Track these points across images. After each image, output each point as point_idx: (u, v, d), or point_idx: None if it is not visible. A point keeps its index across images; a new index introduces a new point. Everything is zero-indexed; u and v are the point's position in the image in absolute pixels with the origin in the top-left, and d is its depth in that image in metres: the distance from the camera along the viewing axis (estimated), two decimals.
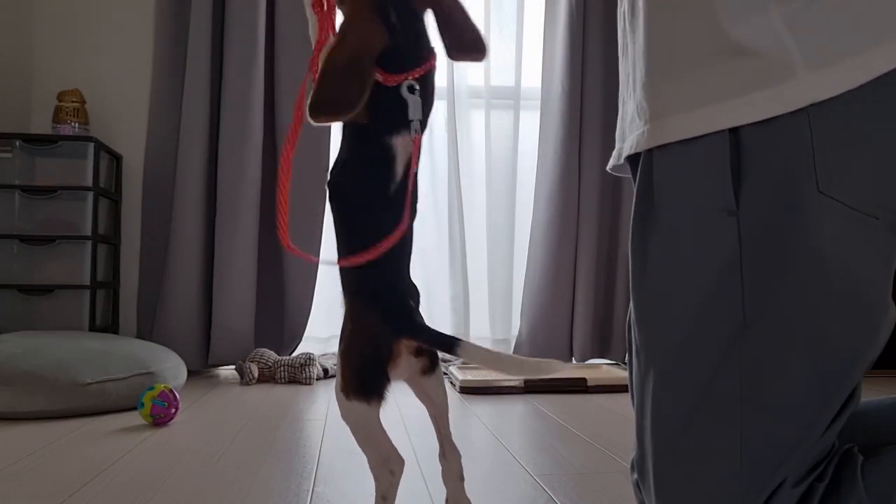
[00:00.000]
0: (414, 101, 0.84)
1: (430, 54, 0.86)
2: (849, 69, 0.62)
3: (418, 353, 0.87)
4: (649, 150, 0.72)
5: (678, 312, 0.68)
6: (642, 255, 0.72)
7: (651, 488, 0.69)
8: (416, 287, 0.90)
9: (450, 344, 0.83)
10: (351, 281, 0.88)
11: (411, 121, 0.84)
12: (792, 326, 0.64)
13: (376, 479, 0.88)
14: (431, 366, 0.89)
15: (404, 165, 0.85)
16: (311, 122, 0.79)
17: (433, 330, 0.86)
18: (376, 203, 0.85)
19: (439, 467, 0.86)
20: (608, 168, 0.87)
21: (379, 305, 0.85)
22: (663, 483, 0.68)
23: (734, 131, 0.66)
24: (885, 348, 0.69)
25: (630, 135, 0.77)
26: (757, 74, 0.64)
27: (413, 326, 0.86)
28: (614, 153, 0.84)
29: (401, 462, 0.89)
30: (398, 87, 0.83)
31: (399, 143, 0.84)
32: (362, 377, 0.84)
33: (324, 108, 0.79)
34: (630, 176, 0.81)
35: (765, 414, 0.65)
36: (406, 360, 0.86)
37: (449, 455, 0.92)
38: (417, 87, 0.84)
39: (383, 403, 0.85)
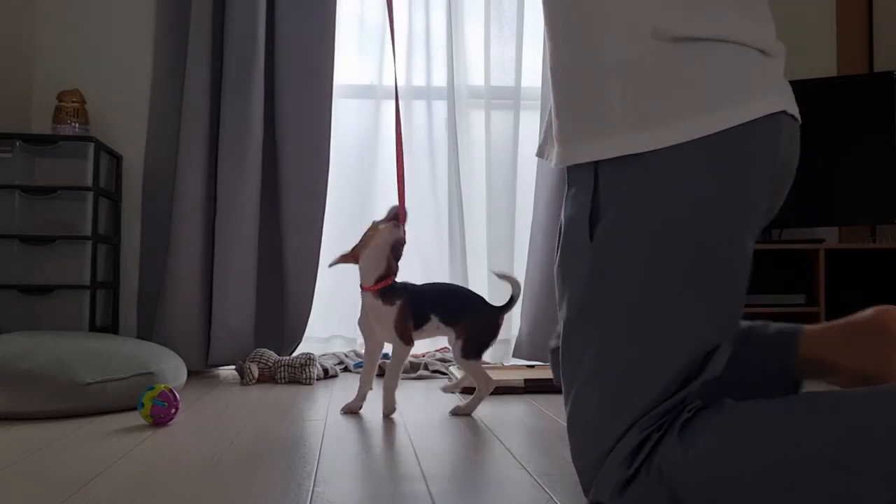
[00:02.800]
0: None
1: None
2: (654, 135, 0.94)
3: (446, 324, 1.68)
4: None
5: (571, 299, 1.03)
6: (559, 254, 1.07)
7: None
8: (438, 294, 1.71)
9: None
10: None
11: None
12: (620, 316, 0.97)
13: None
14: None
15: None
16: None
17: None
18: None
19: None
20: (536, 154, 1.20)
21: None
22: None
23: (596, 166, 1.00)
24: None
25: (553, 147, 1.10)
26: (598, 128, 0.99)
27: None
28: (542, 148, 1.18)
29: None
30: None
31: None
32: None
33: None
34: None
35: (614, 372, 0.98)
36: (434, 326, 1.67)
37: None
38: None
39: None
